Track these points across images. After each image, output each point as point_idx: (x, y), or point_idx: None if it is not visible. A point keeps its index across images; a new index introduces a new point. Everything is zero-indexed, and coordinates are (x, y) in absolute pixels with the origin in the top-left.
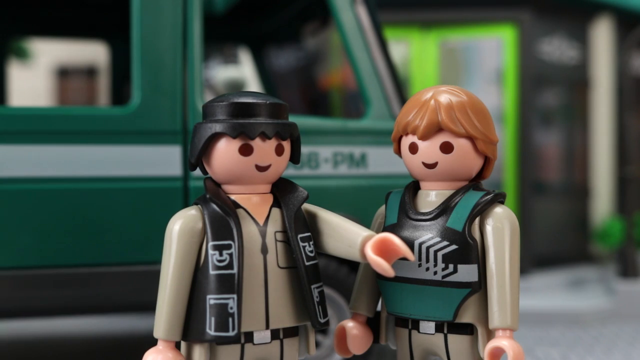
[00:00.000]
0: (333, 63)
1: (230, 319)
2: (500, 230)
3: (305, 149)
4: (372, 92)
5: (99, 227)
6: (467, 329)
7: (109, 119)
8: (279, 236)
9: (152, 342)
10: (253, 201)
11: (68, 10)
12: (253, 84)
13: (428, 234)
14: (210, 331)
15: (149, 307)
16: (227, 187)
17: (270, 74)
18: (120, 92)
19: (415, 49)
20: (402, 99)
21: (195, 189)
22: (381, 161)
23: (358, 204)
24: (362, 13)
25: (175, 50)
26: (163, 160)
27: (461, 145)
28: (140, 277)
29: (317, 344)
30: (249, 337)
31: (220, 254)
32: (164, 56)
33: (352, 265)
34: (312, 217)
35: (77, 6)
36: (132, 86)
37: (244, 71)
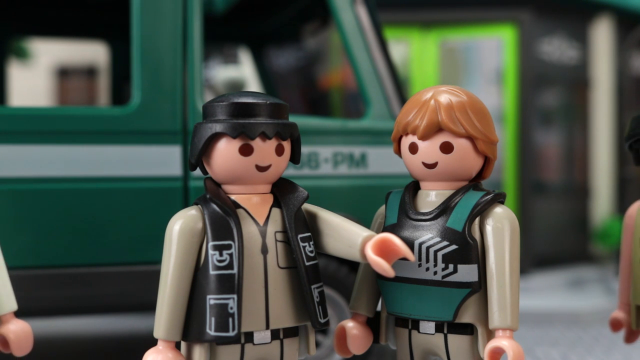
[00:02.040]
0: (333, 63)
1: (230, 319)
2: (500, 230)
3: (305, 149)
4: (372, 92)
5: (99, 227)
6: (467, 329)
7: (109, 119)
8: (279, 236)
9: (152, 342)
10: (253, 201)
11: (68, 10)
12: (253, 84)
13: (428, 234)
14: (211, 331)
15: (149, 307)
16: (227, 187)
17: (270, 74)
18: (120, 92)
19: (415, 49)
20: (402, 99)
21: (195, 189)
22: (381, 161)
23: (358, 204)
24: (362, 13)
25: (175, 50)
26: (163, 160)
27: (461, 145)
28: (141, 277)
29: (317, 344)
30: (249, 337)
31: (221, 254)
32: (164, 56)
33: (352, 265)
34: (312, 217)
35: (77, 6)
36: (132, 86)
37: (244, 71)
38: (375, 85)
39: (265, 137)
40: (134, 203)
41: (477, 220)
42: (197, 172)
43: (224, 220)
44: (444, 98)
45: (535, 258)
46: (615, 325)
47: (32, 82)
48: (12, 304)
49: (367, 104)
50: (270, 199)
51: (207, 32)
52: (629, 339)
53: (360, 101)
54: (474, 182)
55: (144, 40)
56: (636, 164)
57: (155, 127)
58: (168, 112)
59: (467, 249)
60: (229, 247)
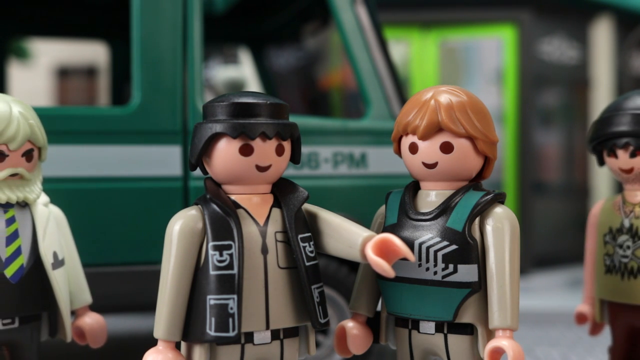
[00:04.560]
0: (333, 63)
1: (231, 320)
2: (500, 230)
3: (305, 149)
4: (372, 92)
5: (99, 227)
6: (467, 329)
7: (109, 119)
8: (280, 236)
9: (152, 342)
10: (253, 201)
11: (68, 11)
12: (253, 84)
13: (428, 234)
14: (211, 331)
15: (149, 307)
16: (227, 187)
17: (270, 74)
18: (120, 92)
19: (415, 49)
20: (402, 99)
21: (195, 189)
22: (381, 161)
23: (358, 204)
24: (362, 13)
25: (175, 50)
26: (163, 160)
27: (461, 145)
28: (140, 277)
29: (318, 344)
30: (249, 337)
31: (221, 254)
32: (164, 56)
33: (352, 265)
34: (313, 218)
35: (77, 6)
36: (132, 86)
37: (244, 71)
38: (376, 86)
39: (265, 137)
40: (134, 203)
41: (477, 220)
42: (197, 172)
43: (224, 221)
44: (444, 98)
45: (535, 258)
46: (580, 318)
47: (32, 82)
48: (86, 298)
49: (367, 104)
50: (270, 199)
51: (207, 32)
52: (594, 331)
53: (360, 101)
54: (474, 182)
55: (144, 40)
56: (600, 164)
57: (155, 127)
58: (168, 112)
59: (467, 249)
60: (229, 247)
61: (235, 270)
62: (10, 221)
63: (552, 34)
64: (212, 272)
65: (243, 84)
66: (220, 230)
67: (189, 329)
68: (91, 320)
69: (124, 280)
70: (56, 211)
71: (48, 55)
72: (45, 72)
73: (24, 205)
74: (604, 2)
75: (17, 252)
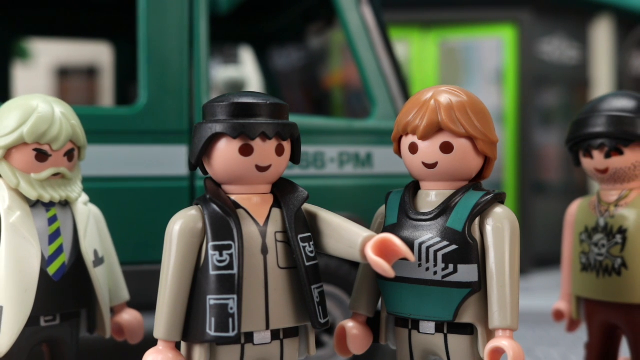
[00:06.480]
0: (336, 63)
1: (231, 320)
2: (500, 230)
3: (311, 149)
4: (378, 92)
5: None
6: (467, 329)
7: (116, 119)
8: (279, 236)
9: (152, 342)
10: (253, 201)
11: (72, 11)
12: (254, 84)
13: (428, 234)
14: (211, 331)
15: (153, 307)
16: (227, 188)
17: (273, 73)
18: (124, 92)
19: (415, 49)
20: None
21: (202, 189)
22: (387, 161)
23: (364, 203)
24: (368, 13)
25: (182, 50)
26: (169, 160)
27: (461, 145)
28: (146, 276)
29: (322, 344)
30: (249, 337)
31: (221, 255)
32: (170, 56)
33: (353, 262)
34: (313, 218)
35: (81, 7)
36: (138, 86)
37: (244, 71)
38: (381, 85)
39: (265, 137)
40: (141, 203)
41: (477, 220)
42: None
43: (224, 221)
44: (444, 98)
45: (535, 258)
46: (558, 315)
47: (33, 82)
48: (124, 295)
49: (372, 104)
50: (270, 199)
51: (212, 32)
52: (571, 328)
53: (365, 101)
54: (474, 182)
55: (151, 40)
56: (576, 165)
57: (162, 127)
58: (175, 112)
59: (467, 249)
60: (229, 247)
61: (235, 271)
62: (53, 220)
63: (552, 34)
64: (212, 272)
65: (243, 84)
66: (220, 231)
67: (189, 329)
68: (129, 316)
69: (128, 279)
70: (95, 210)
71: (48, 55)
72: (45, 72)
73: (65, 204)
74: (604, 2)
75: (60, 250)
